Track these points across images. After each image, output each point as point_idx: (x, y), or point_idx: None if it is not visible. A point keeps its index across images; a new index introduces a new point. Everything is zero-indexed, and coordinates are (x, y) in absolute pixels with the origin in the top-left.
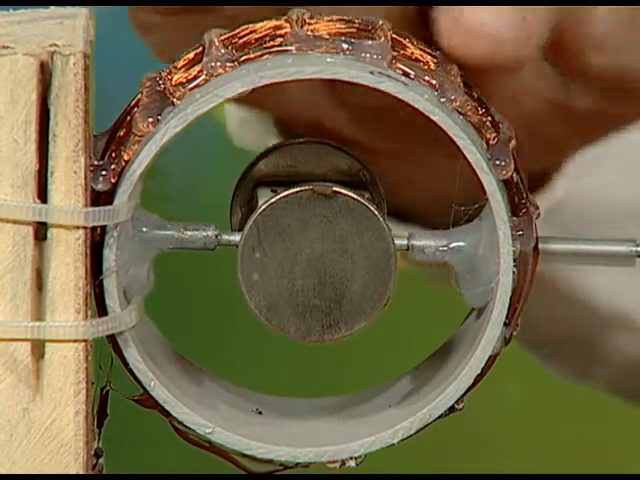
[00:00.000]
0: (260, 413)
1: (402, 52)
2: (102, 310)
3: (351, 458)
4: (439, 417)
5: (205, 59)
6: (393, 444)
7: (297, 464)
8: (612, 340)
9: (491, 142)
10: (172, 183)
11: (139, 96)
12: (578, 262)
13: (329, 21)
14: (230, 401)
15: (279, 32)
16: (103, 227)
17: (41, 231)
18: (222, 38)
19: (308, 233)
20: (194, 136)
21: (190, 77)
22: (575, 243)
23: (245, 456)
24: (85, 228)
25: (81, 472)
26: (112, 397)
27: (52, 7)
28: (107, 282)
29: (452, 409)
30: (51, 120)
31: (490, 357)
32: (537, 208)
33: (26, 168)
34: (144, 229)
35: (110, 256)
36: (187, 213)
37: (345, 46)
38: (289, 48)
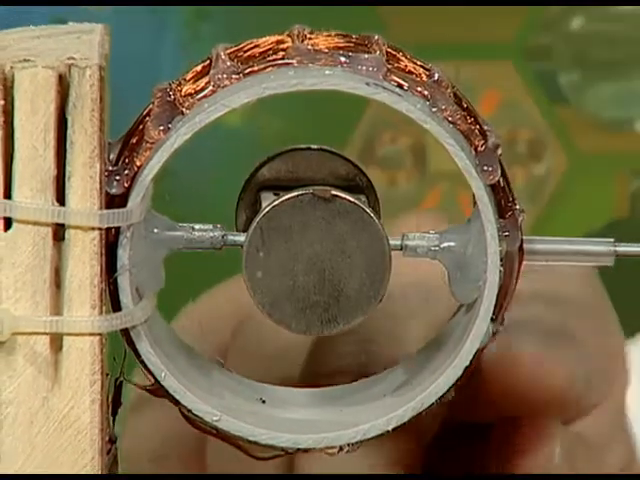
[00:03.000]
0: (263, 402)
1: (396, 65)
2: (116, 306)
3: (348, 444)
4: (430, 406)
5: (212, 71)
6: (388, 431)
7: (298, 449)
8: None
9: (479, 149)
10: (180, 185)
11: (151, 106)
12: (561, 260)
13: (328, 36)
14: (235, 391)
15: (281, 46)
16: (117, 228)
17: (59, 232)
18: (228, 52)
19: (308, 234)
20: (203, 142)
21: (198, 88)
22: (558, 243)
23: (249, 442)
24: (100, 229)
25: (96, 456)
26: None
27: (70, 23)
28: (121, 279)
29: (442, 399)
30: (69, 128)
31: (478, 350)
32: (522, 211)
33: (45, 173)
34: (155, 230)
35: (124, 255)
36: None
37: (343, 59)
38: (291, 61)
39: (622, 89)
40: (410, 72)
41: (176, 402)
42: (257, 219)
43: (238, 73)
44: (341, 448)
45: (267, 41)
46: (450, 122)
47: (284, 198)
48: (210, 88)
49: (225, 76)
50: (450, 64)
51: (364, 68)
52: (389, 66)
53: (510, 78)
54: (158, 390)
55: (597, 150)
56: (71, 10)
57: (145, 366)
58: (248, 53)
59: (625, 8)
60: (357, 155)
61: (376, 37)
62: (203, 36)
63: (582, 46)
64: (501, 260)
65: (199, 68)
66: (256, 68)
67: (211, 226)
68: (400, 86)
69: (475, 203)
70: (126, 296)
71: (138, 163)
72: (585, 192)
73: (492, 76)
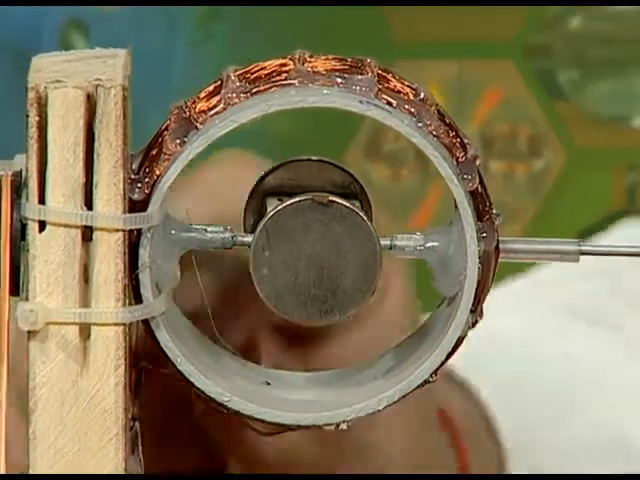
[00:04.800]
0: (268, 384)
1: (386, 85)
2: (137, 299)
3: (343, 422)
4: (416, 387)
5: (223, 91)
6: (378, 410)
7: (299, 426)
8: None
9: (460, 160)
10: None
11: (168, 122)
12: (532, 258)
13: (326, 59)
14: (243, 374)
15: (284, 68)
16: (139, 230)
17: (87, 233)
18: (237, 73)
19: (309, 235)
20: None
21: (211, 106)
22: (529, 243)
23: (256, 420)
24: (124, 231)
25: (120, 432)
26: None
27: (97, 48)
28: (142, 276)
29: (427, 381)
30: (95, 141)
31: (459, 338)
32: (498, 215)
33: (75, 181)
34: (172, 231)
35: (144, 254)
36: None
37: (339, 80)
38: (293, 82)
39: (619, 86)
40: (399, 91)
41: (191, 384)
42: (263, 222)
43: (246, 92)
44: (337, 425)
45: (272, 64)
46: (434, 136)
47: (287, 203)
48: (221, 105)
49: (235, 95)
50: (453, 63)
51: (358, 88)
52: (380, 86)
53: (511, 76)
54: (175, 374)
55: (595, 145)
56: (86, 10)
57: (163, 352)
58: (255, 74)
59: (622, 8)
60: (362, 151)
61: (368, 60)
62: (215, 36)
63: (580, 45)
64: (479, 258)
65: (211, 88)
66: (262, 88)
67: (222, 228)
68: (390, 104)
69: (456, 208)
70: (146, 290)
71: (157, 172)
72: (583, 185)
73: (494, 74)
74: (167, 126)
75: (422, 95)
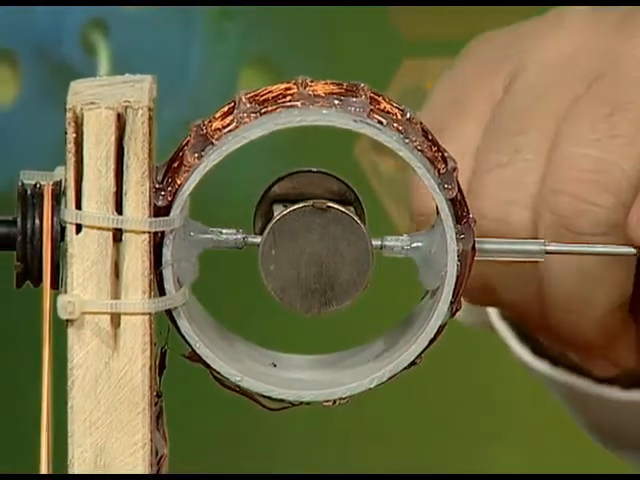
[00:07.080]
0: (275, 366)
1: (377, 106)
2: (161, 292)
3: (341, 399)
4: (404, 369)
5: (235, 111)
6: (370, 388)
7: (301, 402)
8: None
9: (441, 171)
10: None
11: (188, 138)
12: (504, 257)
13: (325, 84)
14: (253, 357)
15: (288, 92)
16: (162, 232)
17: (118, 235)
18: (248, 96)
19: (310, 236)
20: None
21: (225, 124)
22: (501, 244)
23: (264, 397)
24: (149, 233)
25: (147, 408)
26: (169, 354)
27: (126, 74)
28: (165, 272)
29: (413, 363)
30: (125, 155)
31: (440, 326)
32: (475, 220)
33: (107, 190)
34: (192, 233)
35: (167, 253)
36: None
37: (336, 102)
38: (296, 104)
39: None
40: (388, 112)
41: (207, 366)
42: (270, 225)
43: (255, 112)
44: (335, 401)
45: (278, 88)
46: (419, 150)
47: (291, 209)
48: (234, 124)
49: (245, 115)
50: (455, 60)
51: (352, 109)
52: (372, 107)
53: None
54: (193, 357)
55: None
56: (106, 10)
57: (184, 338)
58: (263, 97)
59: (619, 9)
60: (370, 146)
61: (362, 85)
62: (228, 35)
63: None
64: (458, 257)
65: (225, 109)
66: (270, 109)
67: (235, 230)
68: (380, 122)
69: (438, 213)
70: (169, 284)
71: (178, 182)
72: None
73: None
74: (187, 142)
75: (408, 115)
